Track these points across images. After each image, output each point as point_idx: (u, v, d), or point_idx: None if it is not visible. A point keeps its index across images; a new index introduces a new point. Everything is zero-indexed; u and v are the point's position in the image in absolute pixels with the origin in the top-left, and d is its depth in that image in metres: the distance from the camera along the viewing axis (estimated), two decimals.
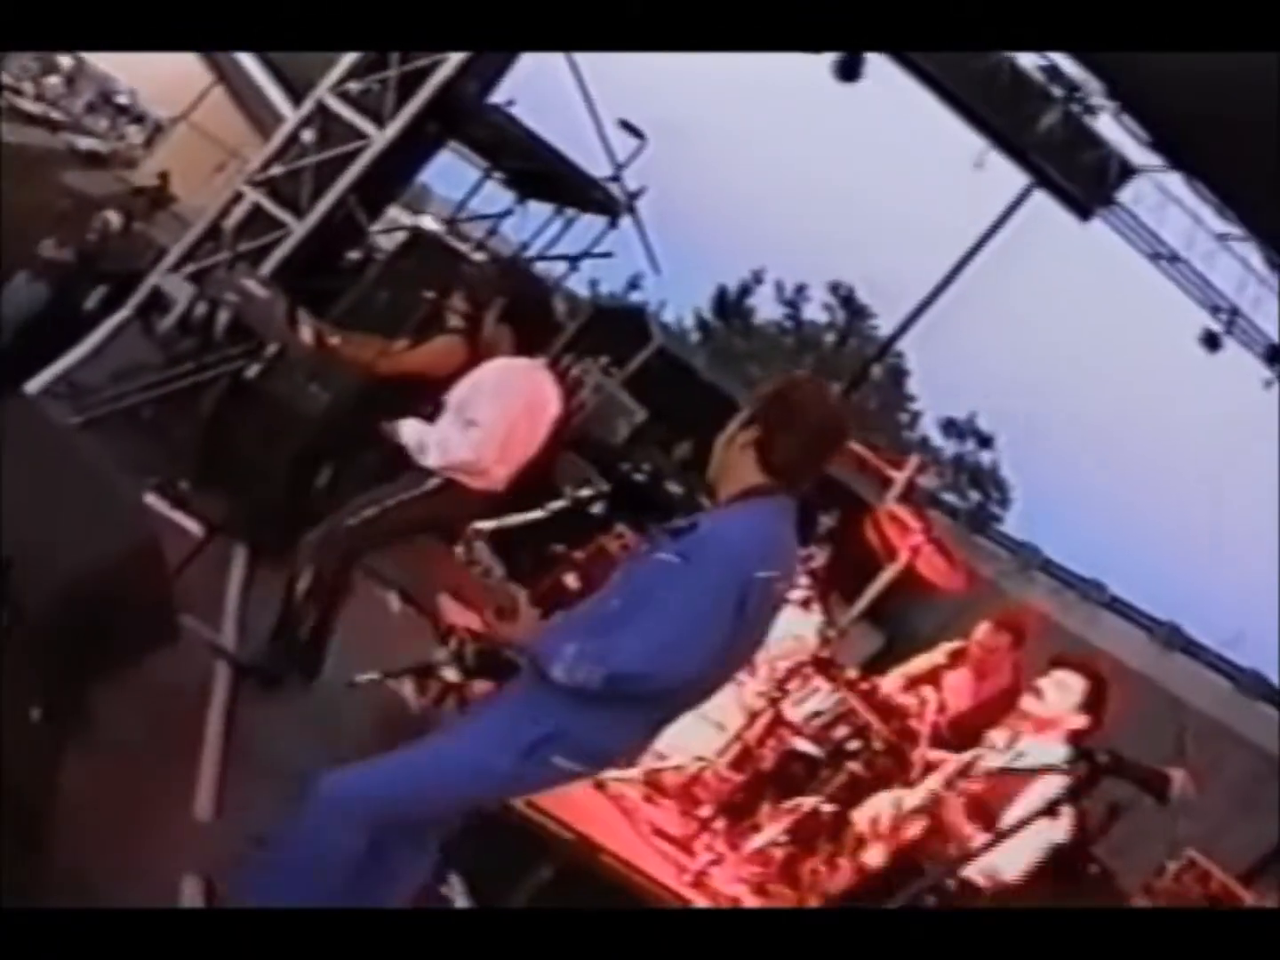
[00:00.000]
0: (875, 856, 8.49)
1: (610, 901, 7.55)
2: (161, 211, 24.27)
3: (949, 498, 43.62)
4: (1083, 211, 20.96)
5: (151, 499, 10.31)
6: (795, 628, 10.21)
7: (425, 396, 9.10)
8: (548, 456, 8.98)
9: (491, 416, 8.56)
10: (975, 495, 53.94)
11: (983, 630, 10.26)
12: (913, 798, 8.50)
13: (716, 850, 8.99)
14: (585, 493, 7.09)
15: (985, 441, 56.45)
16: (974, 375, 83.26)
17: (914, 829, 8.36)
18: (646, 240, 20.62)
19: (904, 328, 29.78)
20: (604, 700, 5.07)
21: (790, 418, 5.34)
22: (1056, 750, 8.02)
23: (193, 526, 10.36)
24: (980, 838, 7.80)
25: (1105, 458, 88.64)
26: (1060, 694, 8.47)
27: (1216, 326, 21.56)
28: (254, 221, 15.31)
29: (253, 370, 12.20)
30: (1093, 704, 8.46)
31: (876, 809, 8.72)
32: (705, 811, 9.32)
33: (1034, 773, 7.76)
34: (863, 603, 10.73)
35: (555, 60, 17.55)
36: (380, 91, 15.18)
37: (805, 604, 10.63)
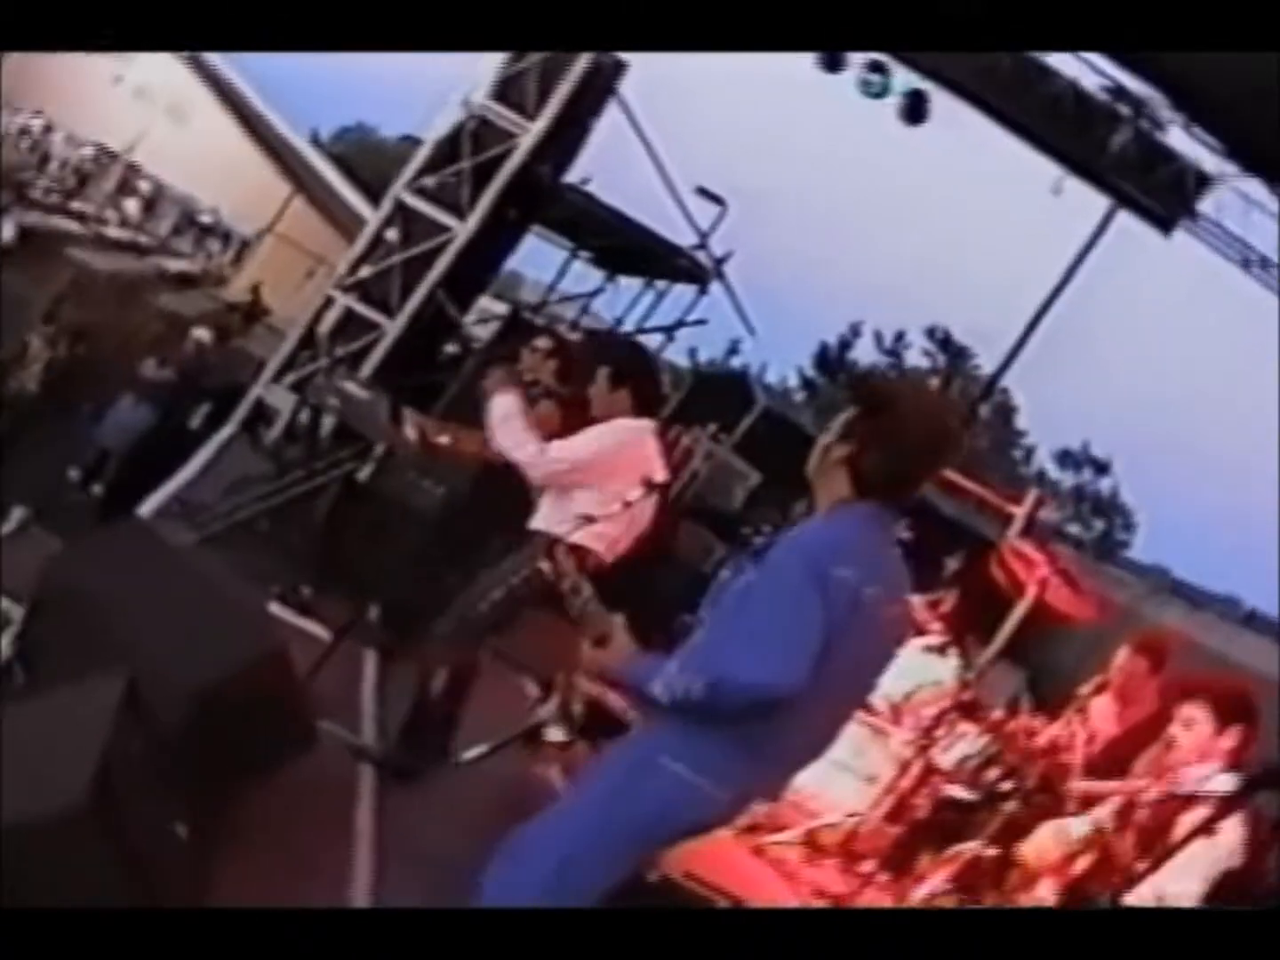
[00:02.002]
0: (1045, 891, 8.25)
1: None
2: (258, 324, 24.56)
3: (1074, 529, 43.44)
4: (1164, 226, 20.73)
5: (276, 608, 10.35)
6: (934, 673, 10.22)
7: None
8: (661, 523, 8.83)
9: (606, 479, 8.36)
10: (1099, 524, 53.54)
11: (1122, 656, 9.84)
12: (1080, 826, 8.25)
13: (882, 905, 8.80)
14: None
15: (1102, 469, 55.89)
16: (1082, 403, 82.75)
17: (1082, 863, 8.11)
18: (738, 303, 20.60)
19: (1006, 364, 29.62)
20: (715, 719, 4.85)
21: (891, 432, 5.03)
22: (1218, 775, 7.75)
23: (321, 631, 10.34)
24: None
25: (1223, 470, 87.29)
26: (1189, 731, 8.17)
27: None
28: (348, 325, 15.36)
29: (365, 472, 12.23)
30: (1232, 718, 8.13)
31: (1042, 841, 8.51)
32: (866, 867, 9.16)
33: (1195, 797, 7.50)
34: (998, 642, 10.52)
35: (626, 136, 17.59)
36: (456, 183, 15.26)
37: (942, 649, 10.57)
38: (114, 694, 5.43)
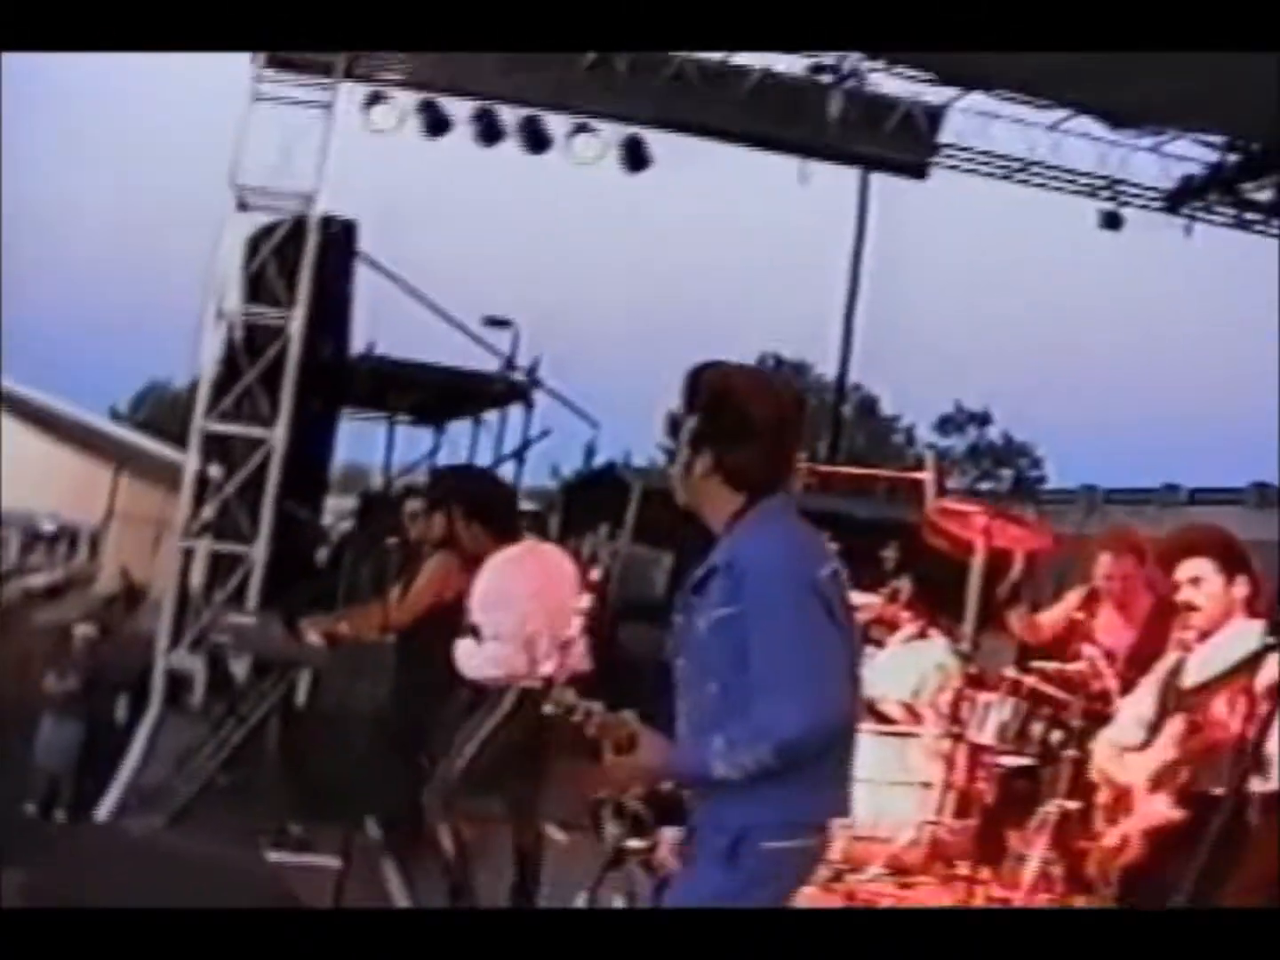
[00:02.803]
0: (1162, 805, 7.59)
1: None
2: (141, 604, 24.46)
3: (986, 486, 43.83)
4: (917, 171, 20.88)
5: (273, 855, 10.21)
6: (930, 659, 10.08)
7: (456, 620, 9.07)
8: (599, 620, 8.67)
9: (509, 619, 8.60)
10: (1006, 472, 54.00)
11: (1104, 563, 9.87)
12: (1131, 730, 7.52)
13: (997, 898, 8.73)
14: None
15: (984, 420, 56.49)
16: (935, 368, 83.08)
17: (1170, 752, 7.55)
18: (567, 401, 20.63)
19: (845, 360, 30.04)
20: (775, 775, 4.71)
21: (740, 425, 5.06)
22: (1251, 630, 7.39)
23: (329, 861, 10.03)
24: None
25: (1095, 372, 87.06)
26: (1199, 588, 7.77)
27: (1107, 205, 21.37)
28: (217, 567, 15.45)
29: (301, 694, 12.01)
30: (1235, 566, 7.74)
31: (1110, 760, 7.56)
32: (963, 869, 9.01)
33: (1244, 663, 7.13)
34: (972, 605, 10.27)
35: (393, 293, 17.57)
36: (251, 396, 15.42)
37: (922, 634, 10.48)
38: None
